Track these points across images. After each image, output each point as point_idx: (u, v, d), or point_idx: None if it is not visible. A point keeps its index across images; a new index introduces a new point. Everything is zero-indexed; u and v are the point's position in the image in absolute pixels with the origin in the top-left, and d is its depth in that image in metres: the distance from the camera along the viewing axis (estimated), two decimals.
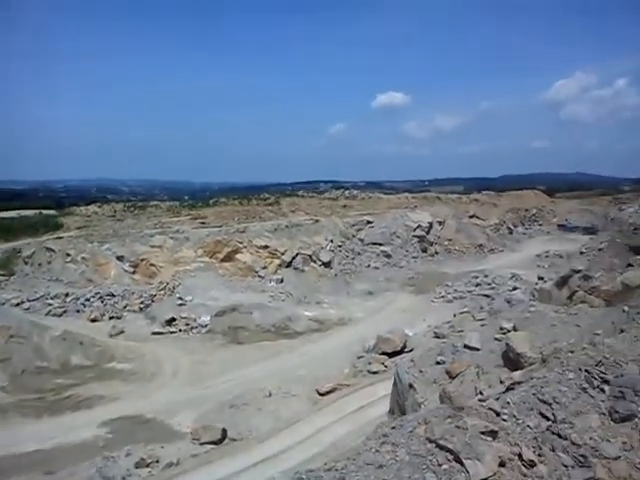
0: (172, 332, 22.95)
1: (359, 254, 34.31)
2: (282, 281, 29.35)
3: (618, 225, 15.60)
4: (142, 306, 25.49)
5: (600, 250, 15.20)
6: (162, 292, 26.43)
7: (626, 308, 7.44)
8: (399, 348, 18.24)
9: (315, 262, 31.67)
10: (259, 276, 29.59)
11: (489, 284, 28.86)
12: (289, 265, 30.83)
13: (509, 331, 8.96)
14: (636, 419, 4.11)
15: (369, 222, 37.14)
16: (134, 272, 28.70)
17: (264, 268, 30.07)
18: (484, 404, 4.48)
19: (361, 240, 35.42)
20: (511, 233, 44.89)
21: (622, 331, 5.37)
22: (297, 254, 31.27)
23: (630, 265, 13.72)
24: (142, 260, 29.12)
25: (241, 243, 30.60)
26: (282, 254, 30.87)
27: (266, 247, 30.87)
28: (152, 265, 29.03)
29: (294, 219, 35.31)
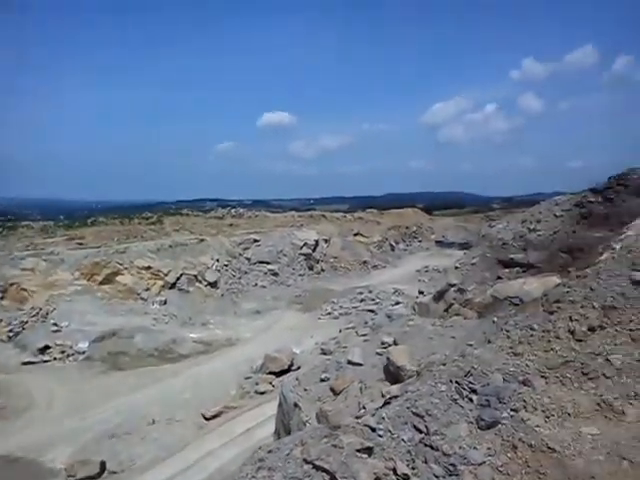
0: (46, 361, 21.37)
1: (246, 273, 34.03)
2: (166, 303, 28.40)
3: (489, 241, 16.60)
4: (11, 334, 23.56)
5: (473, 264, 16.10)
6: (34, 318, 24.61)
7: (495, 319, 7.89)
8: (287, 367, 18.23)
9: (201, 282, 30.99)
10: (141, 298, 28.44)
11: (373, 299, 29.69)
12: (173, 286, 29.92)
13: (390, 345, 9.22)
14: (499, 425, 4.35)
15: (256, 241, 37.01)
16: (2, 297, 26.54)
17: (147, 290, 28.95)
18: (360, 421, 4.56)
19: (248, 259, 35.17)
20: (393, 250, 46.56)
21: (489, 342, 5.68)
22: (182, 274, 30.43)
23: (499, 278, 14.64)
24: (11, 285, 26.98)
25: (121, 264, 29.28)
26: (166, 275, 29.91)
27: (149, 268, 29.77)
28: (23, 290, 26.98)
29: (178, 238, 34.38)
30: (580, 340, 5.25)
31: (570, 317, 5.47)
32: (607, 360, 4.99)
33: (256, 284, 33.31)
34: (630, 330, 5.23)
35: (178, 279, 30.02)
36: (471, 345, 6.04)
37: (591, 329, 5.32)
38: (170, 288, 29.57)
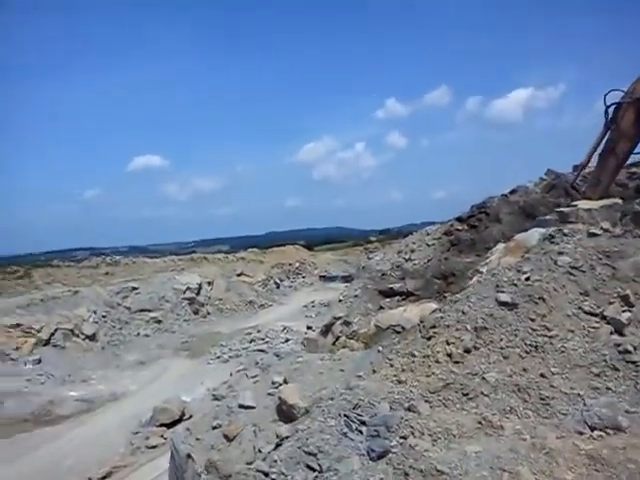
0: None
1: (127, 323, 32.51)
2: (40, 361, 26.33)
3: (369, 272, 17.12)
4: None
5: (356, 296, 16.48)
6: None
7: (380, 348, 8.13)
8: (178, 417, 17.53)
9: (78, 336, 29.15)
10: (11, 359, 26.17)
11: (263, 339, 29.45)
12: (47, 343, 27.86)
13: (280, 384, 9.16)
14: (390, 454, 4.47)
15: (135, 288, 35.52)
16: None
17: (17, 349, 26.72)
18: (252, 467, 4.49)
19: (128, 308, 33.64)
20: (278, 287, 46.65)
21: (375, 371, 5.84)
22: (56, 329, 28.45)
23: (382, 307, 15.09)
24: None
25: None
26: (38, 331, 27.82)
27: (18, 325, 27.56)
28: None
29: (50, 292, 32.24)
30: (458, 362, 5.55)
31: (447, 341, 5.78)
32: (483, 379, 5.32)
33: (138, 333, 31.88)
34: (501, 348, 5.62)
35: (52, 335, 27.98)
36: (359, 376, 6.17)
37: (467, 350, 5.65)
38: (44, 345, 27.47)
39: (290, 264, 51.83)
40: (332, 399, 5.33)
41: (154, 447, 16.02)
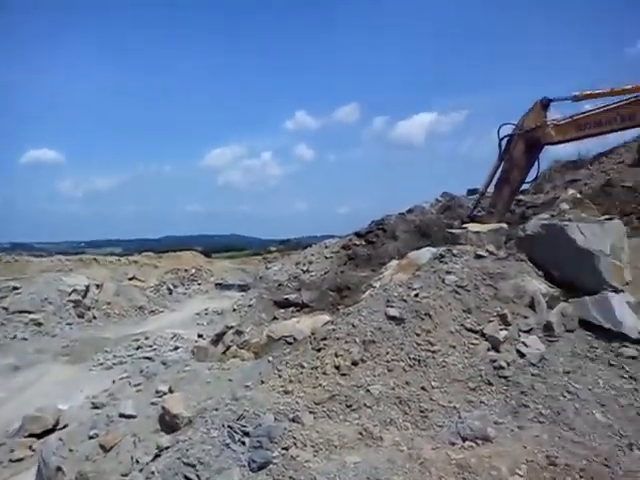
0: None
1: (3, 324, 30.29)
2: None
3: (266, 282, 17.09)
4: None
5: (250, 306, 16.37)
6: None
7: (270, 359, 8.11)
8: (51, 426, 16.45)
9: None
10: None
11: (150, 346, 28.43)
12: None
13: (165, 394, 8.90)
14: (271, 465, 4.45)
15: (15, 288, 33.23)
16: None
17: None
18: (127, 478, 4.31)
19: (5, 309, 31.39)
20: (171, 293, 45.36)
21: (263, 382, 5.80)
22: None
23: (275, 318, 15.07)
24: None
25: None
26: None
27: None
28: None
29: None
30: (345, 374, 5.63)
31: (336, 353, 5.85)
32: (368, 391, 5.43)
33: (15, 336, 29.73)
34: (387, 362, 5.77)
35: None
36: (247, 387, 6.10)
37: (354, 363, 5.74)
38: None
39: (186, 270, 50.58)
40: (217, 409, 5.24)
41: (19, 460, 14.88)
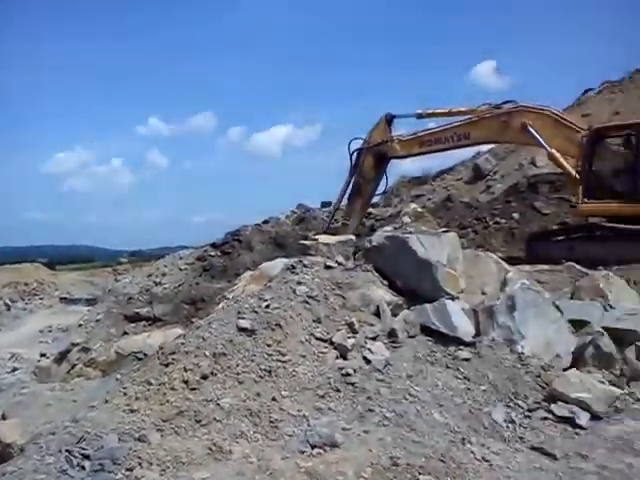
0: None
1: None
2: None
3: (115, 295, 16.30)
4: None
5: (98, 321, 15.51)
6: None
7: (118, 376, 7.73)
8: None
9: None
10: None
11: None
12: None
13: None
14: None
15: None
16: None
17: None
18: None
19: None
20: (9, 310, 41.62)
21: (107, 401, 5.51)
22: None
23: (126, 333, 14.41)
24: None
25: None
26: None
27: None
28: None
29: None
30: (194, 389, 5.51)
31: (185, 367, 5.71)
32: (218, 405, 5.35)
33: None
34: (237, 374, 5.74)
35: None
36: (92, 407, 5.76)
37: (204, 377, 5.64)
38: None
39: (26, 284, 46.68)
40: (54, 434, 4.87)
41: None
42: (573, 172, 12.35)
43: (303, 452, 4.83)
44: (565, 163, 12.90)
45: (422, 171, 29.78)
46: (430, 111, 14.63)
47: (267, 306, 6.54)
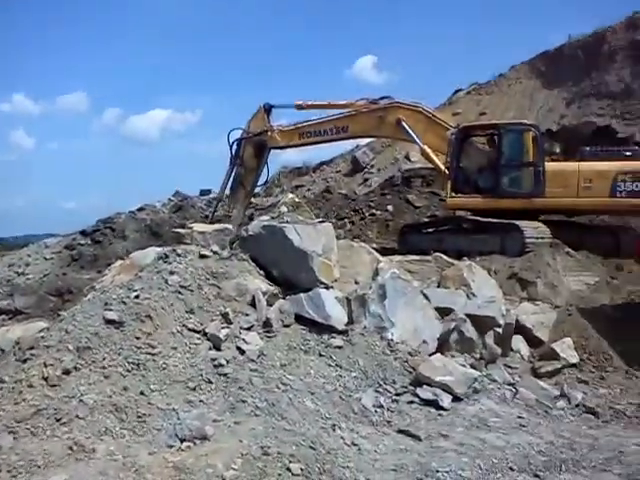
0: None
1: None
2: None
3: None
4: None
5: None
6: None
7: None
8: None
9: None
10: None
11: None
12: None
13: None
14: None
15: None
16: None
17: None
18: None
19: None
20: None
21: None
22: None
23: None
24: None
25: None
26: None
27: None
28: None
29: None
30: (55, 385, 5.18)
31: (45, 363, 5.36)
32: (81, 401, 5.07)
33: None
34: (103, 368, 5.47)
35: None
36: None
37: (66, 372, 5.32)
38: None
39: None
40: None
41: None
42: (443, 167, 12.96)
43: (171, 446, 4.71)
44: (436, 159, 13.53)
45: (303, 162, 30.13)
46: (310, 103, 14.79)
47: (137, 297, 6.28)
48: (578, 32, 23.70)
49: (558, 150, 17.40)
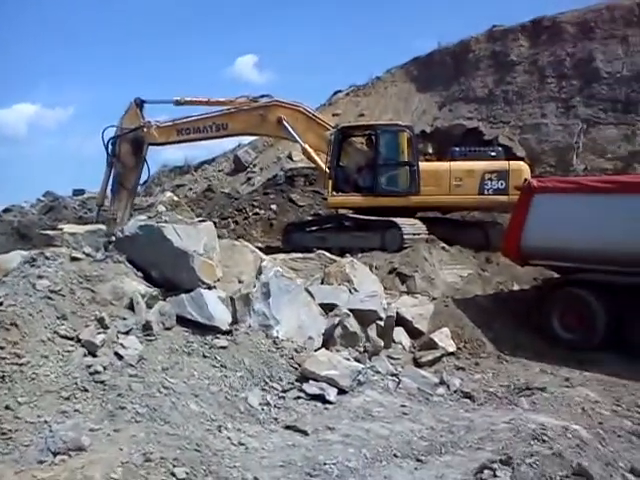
0: None
1: None
2: None
3: None
4: None
5: None
6: None
7: None
8: None
9: None
10: None
11: None
12: None
13: None
14: None
15: None
16: None
17: None
18: None
19: None
20: None
21: None
22: None
23: None
24: None
25: None
26: None
27: None
28: None
29: None
30: None
31: None
32: None
33: None
34: None
35: None
36: None
37: None
38: None
39: None
40: None
41: None
42: (324, 167, 13.17)
43: (42, 462, 4.36)
44: (317, 158, 13.73)
45: (184, 161, 29.43)
46: (188, 99, 14.44)
47: (0, 304, 5.79)
48: (447, 40, 24.96)
49: (431, 150, 18.39)
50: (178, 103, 14.33)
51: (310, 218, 17.06)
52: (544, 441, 4.94)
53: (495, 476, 4.41)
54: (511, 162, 13.17)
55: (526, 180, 10.18)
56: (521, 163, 13.67)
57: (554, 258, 9.54)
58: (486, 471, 4.51)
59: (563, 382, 7.62)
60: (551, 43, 21.30)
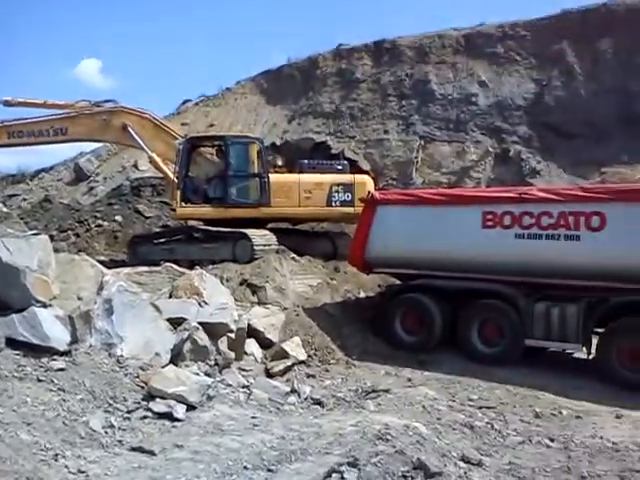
0: None
1: None
2: None
3: None
4: None
5: None
6: None
7: None
8: None
9: None
10: None
11: None
12: None
13: None
14: None
15: None
16: None
17: None
18: None
19: None
20: None
21: None
22: None
23: None
24: None
25: None
26: None
27: None
28: None
29: None
30: None
31: None
32: None
33: None
34: None
35: None
36: None
37: None
38: None
39: None
40: None
41: None
42: (172, 176, 12.83)
43: None
44: (165, 167, 13.35)
45: (18, 169, 27.05)
46: (22, 100, 13.34)
47: None
48: (296, 55, 25.56)
49: (281, 163, 18.67)
50: (8, 104, 13.17)
51: (158, 230, 16.50)
52: (388, 440, 5.19)
53: (343, 478, 4.54)
54: (356, 175, 13.80)
55: (369, 192, 10.70)
56: (365, 176, 14.38)
57: (395, 266, 10.14)
58: (334, 475, 4.63)
59: (406, 383, 8.11)
60: (392, 64, 22.67)
